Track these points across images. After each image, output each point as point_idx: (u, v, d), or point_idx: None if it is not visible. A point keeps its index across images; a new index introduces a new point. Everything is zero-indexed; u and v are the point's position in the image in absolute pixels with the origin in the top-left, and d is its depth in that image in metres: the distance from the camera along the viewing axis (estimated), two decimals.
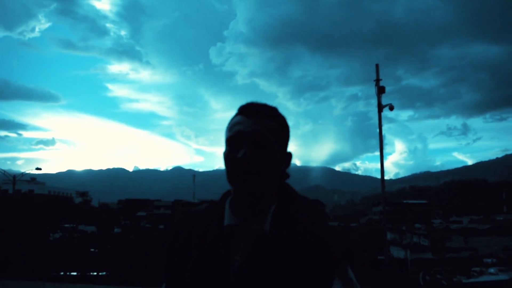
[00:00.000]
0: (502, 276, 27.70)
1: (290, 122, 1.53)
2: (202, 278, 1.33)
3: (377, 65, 20.93)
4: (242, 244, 1.35)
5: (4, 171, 40.47)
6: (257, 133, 1.35)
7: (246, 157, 1.32)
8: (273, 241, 1.32)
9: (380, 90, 20.35)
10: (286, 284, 1.26)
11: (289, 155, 1.49)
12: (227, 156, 1.37)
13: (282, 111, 1.50)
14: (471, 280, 26.53)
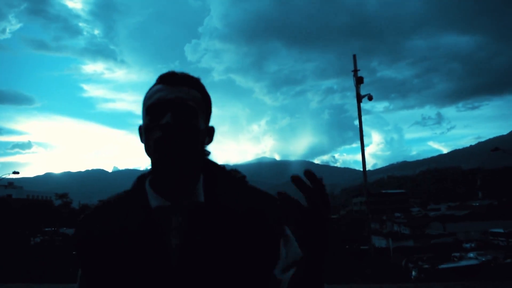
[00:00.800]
0: (472, 261, 28.29)
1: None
2: (140, 270, 1.16)
3: (354, 56, 21.07)
4: (175, 225, 1.22)
5: None
6: (182, 100, 1.23)
7: (172, 123, 1.18)
8: (211, 212, 1.23)
9: (359, 81, 20.53)
10: (235, 255, 1.18)
11: (212, 129, 1.37)
12: (148, 125, 1.22)
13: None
14: (445, 265, 27.09)
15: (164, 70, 1.33)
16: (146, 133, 1.22)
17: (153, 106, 1.22)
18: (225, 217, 1.22)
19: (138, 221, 1.21)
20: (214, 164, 1.38)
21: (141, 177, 1.36)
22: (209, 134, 1.35)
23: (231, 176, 1.37)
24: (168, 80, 1.27)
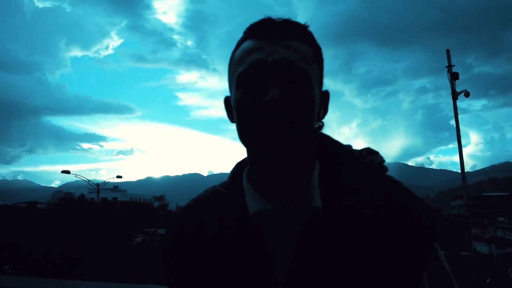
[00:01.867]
0: None
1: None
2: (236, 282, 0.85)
3: (448, 51, 20.23)
4: (282, 236, 0.87)
5: (89, 180, 42.90)
6: (290, 63, 0.83)
7: (278, 101, 0.79)
8: (332, 221, 0.84)
9: (454, 77, 19.69)
10: (362, 282, 0.79)
11: (327, 95, 0.96)
12: (243, 101, 0.84)
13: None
14: None
15: None
16: (239, 112, 0.85)
17: (248, 74, 0.84)
18: (352, 229, 0.83)
19: (234, 228, 0.90)
20: (334, 143, 0.97)
21: (237, 167, 1.02)
22: (324, 102, 0.95)
23: (360, 161, 0.94)
24: (264, 32, 0.87)
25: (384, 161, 0.96)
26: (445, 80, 19.83)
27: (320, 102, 0.91)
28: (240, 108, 0.85)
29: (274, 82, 0.81)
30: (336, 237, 0.82)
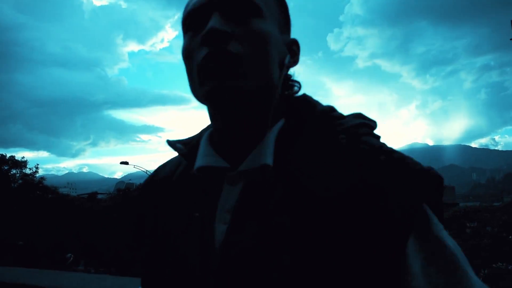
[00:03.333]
0: None
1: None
2: (174, 267, 0.72)
3: None
4: (226, 201, 0.71)
5: (146, 171, 44.09)
6: None
7: (220, 28, 0.64)
8: (283, 184, 0.67)
9: None
10: (312, 263, 0.60)
11: (295, 43, 0.81)
12: (189, 46, 0.70)
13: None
14: None
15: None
16: (185, 58, 0.71)
17: (193, 14, 0.70)
18: (305, 195, 0.65)
19: (178, 188, 0.80)
20: (304, 102, 0.79)
21: (205, 129, 0.87)
22: (291, 50, 0.79)
23: (331, 123, 0.73)
24: None
25: (369, 124, 0.74)
26: (511, 56, 18.75)
27: (286, 48, 0.77)
28: (185, 54, 0.71)
29: (215, 12, 0.67)
30: (280, 209, 0.66)
